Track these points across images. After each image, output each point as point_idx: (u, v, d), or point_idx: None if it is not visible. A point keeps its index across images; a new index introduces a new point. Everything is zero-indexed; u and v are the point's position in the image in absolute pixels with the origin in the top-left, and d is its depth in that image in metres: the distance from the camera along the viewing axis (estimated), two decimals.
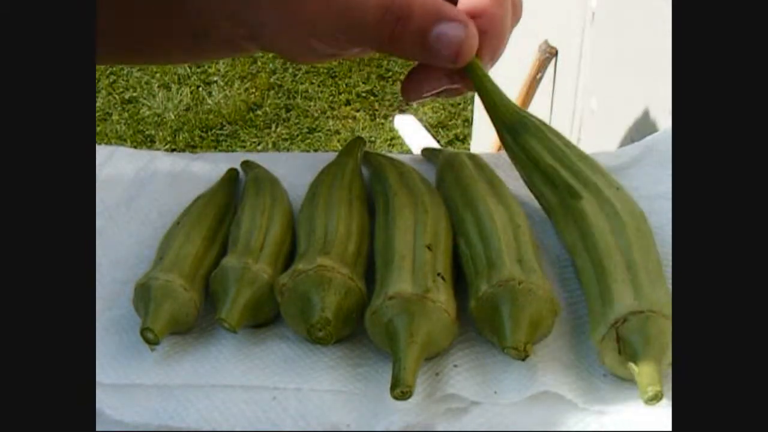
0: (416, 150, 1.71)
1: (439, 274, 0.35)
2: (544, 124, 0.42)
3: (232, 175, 0.49)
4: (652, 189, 0.46)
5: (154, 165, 0.53)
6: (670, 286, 0.37)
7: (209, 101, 2.12)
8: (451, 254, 0.38)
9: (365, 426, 0.31)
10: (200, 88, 2.19)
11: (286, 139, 2.01)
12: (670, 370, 0.32)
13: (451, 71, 0.39)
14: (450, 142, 2.00)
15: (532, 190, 0.41)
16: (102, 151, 0.54)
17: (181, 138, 2.00)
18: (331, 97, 2.15)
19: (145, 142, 2.00)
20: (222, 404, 0.33)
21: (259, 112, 2.10)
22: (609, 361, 0.32)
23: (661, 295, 0.33)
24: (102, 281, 0.41)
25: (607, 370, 0.33)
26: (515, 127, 0.41)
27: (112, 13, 0.38)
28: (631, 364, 0.31)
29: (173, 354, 0.36)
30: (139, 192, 0.50)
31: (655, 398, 0.30)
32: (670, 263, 0.39)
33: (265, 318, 0.37)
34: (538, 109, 1.44)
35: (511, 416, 0.32)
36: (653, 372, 0.30)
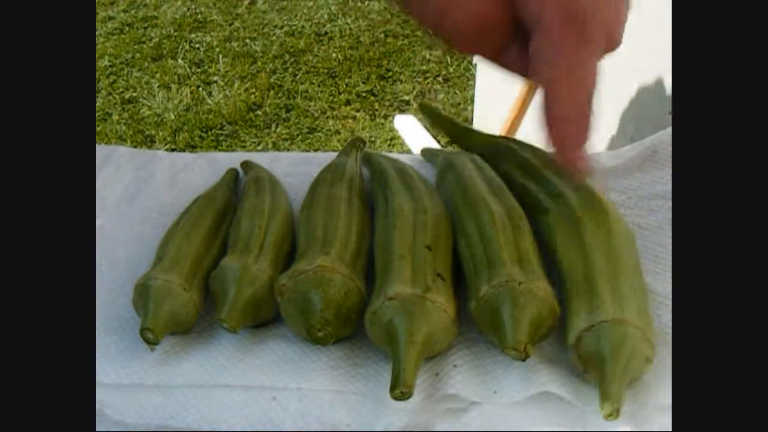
0: (416, 150, 1.71)
1: (438, 275, 0.35)
2: (515, 141, 0.46)
3: (232, 175, 0.49)
4: (652, 189, 0.46)
5: (154, 165, 0.53)
6: (667, 278, 0.37)
7: (209, 101, 2.12)
8: (451, 254, 0.38)
9: (365, 426, 0.31)
10: (200, 88, 2.19)
11: (286, 139, 2.00)
12: (668, 367, 0.33)
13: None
14: (450, 142, 2.00)
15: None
16: (102, 151, 0.54)
17: (181, 138, 2.00)
18: (331, 97, 2.15)
19: (145, 142, 2.00)
20: (222, 404, 0.33)
21: (259, 112, 2.09)
22: (587, 378, 0.33)
23: (621, 297, 0.33)
24: (102, 281, 0.41)
25: None
26: (490, 154, 0.46)
27: None
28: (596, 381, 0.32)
29: (173, 354, 0.36)
30: (139, 192, 0.50)
31: (611, 415, 0.30)
32: (669, 263, 0.39)
33: (265, 318, 0.37)
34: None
35: (511, 416, 0.31)
36: (609, 388, 0.30)
